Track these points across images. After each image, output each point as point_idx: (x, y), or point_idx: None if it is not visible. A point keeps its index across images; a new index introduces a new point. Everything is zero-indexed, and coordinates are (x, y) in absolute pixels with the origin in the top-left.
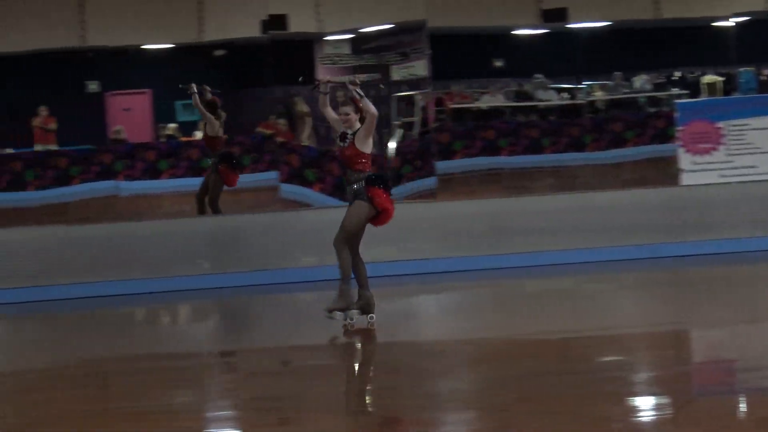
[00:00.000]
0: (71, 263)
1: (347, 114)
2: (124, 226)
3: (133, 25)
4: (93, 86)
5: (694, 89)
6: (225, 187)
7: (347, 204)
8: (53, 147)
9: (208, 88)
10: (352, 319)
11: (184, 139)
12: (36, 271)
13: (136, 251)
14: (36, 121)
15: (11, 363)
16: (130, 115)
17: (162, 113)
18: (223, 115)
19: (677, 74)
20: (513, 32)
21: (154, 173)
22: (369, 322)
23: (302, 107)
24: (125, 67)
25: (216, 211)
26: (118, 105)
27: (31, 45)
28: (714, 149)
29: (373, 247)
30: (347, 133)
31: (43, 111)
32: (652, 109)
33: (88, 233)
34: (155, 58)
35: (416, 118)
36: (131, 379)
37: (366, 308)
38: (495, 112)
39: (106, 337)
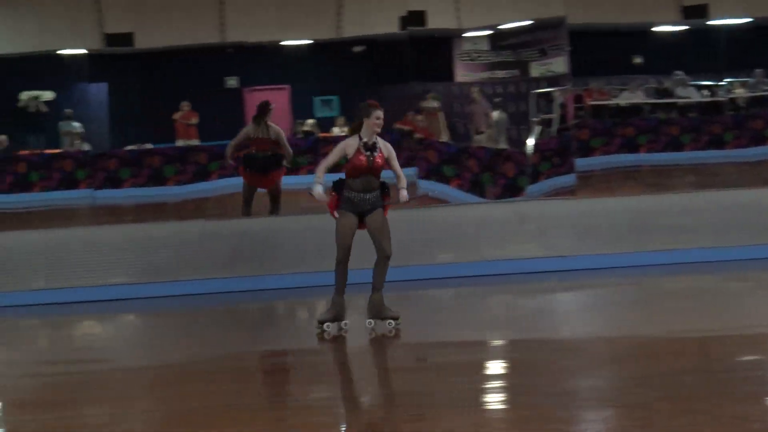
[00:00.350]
0: (210, 258)
1: (379, 118)
2: (261, 221)
3: (272, 22)
4: (232, 82)
5: None
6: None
7: (372, 210)
8: (195, 142)
9: None
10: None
11: (321, 135)
12: (176, 265)
13: (273, 246)
14: (178, 116)
15: (152, 357)
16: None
17: (300, 109)
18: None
19: None
20: (653, 29)
21: (292, 169)
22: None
23: (432, 103)
24: (264, 63)
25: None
26: (257, 100)
27: (173, 41)
28: None
29: (514, 244)
30: (376, 143)
31: (185, 106)
32: None
33: (226, 228)
34: (293, 54)
35: (555, 115)
36: (269, 374)
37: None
38: (634, 109)
39: (244, 332)
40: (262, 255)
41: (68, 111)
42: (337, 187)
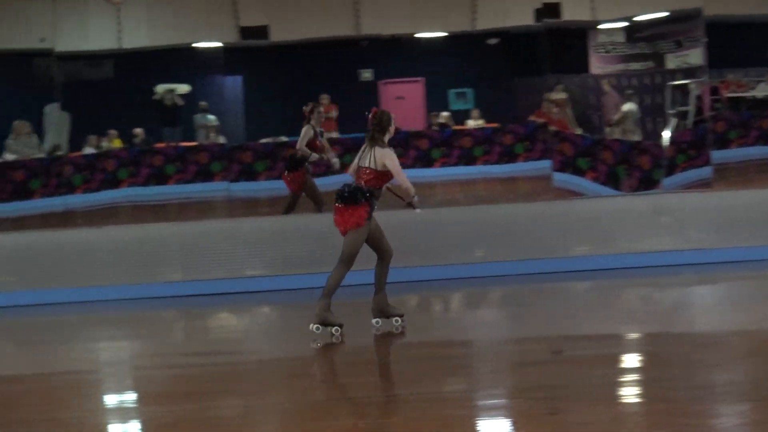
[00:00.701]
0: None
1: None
2: (398, 214)
3: (407, 14)
4: (366, 75)
5: None
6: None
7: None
8: (334, 134)
9: None
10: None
11: (456, 127)
12: (311, 258)
13: (413, 239)
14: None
15: (285, 349)
16: (403, 103)
17: (435, 101)
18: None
19: None
20: None
21: (427, 162)
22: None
23: (560, 95)
24: (398, 55)
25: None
26: (391, 93)
27: (308, 33)
28: None
29: (650, 237)
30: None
31: (325, 99)
32: None
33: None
34: (428, 47)
35: (690, 108)
36: (403, 367)
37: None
38: None
39: (379, 325)
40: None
41: (203, 104)
42: (369, 195)
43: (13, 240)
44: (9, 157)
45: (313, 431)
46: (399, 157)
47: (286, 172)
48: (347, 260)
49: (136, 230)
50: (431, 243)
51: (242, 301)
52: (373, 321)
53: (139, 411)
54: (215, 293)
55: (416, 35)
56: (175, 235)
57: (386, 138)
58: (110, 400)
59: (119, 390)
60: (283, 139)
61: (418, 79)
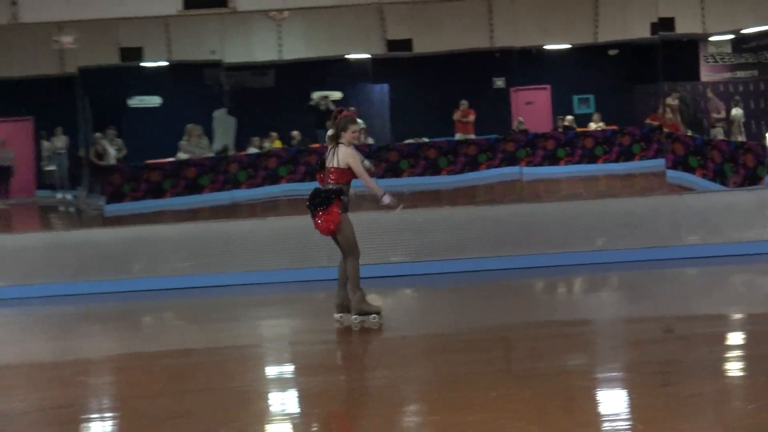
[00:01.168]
0: (481, 239)
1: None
2: (526, 206)
3: (536, 28)
4: (499, 82)
5: None
6: None
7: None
8: (471, 136)
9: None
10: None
11: (579, 129)
12: (446, 246)
13: (536, 229)
14: (457, 114)
15: (427, 327)
16: (531, 108)
17: (560, 106)
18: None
19: None
20: None
21: (553, 160)
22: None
23: (673, 101)
24: (528, 65)
25: None
26: (521, 99)
27: (447, 46)
28: None
29: (755, 228)
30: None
31: (464, 104)
32: None
33: (494, 213)
34: (555, 57)
35: None
36: (530, 344)
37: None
38: None
39: (509, 306)
40: (521, 237)
41: (352, 109)
42: (338, 193)
43: (186, 230)
44: (182, 156)
45: (453, 400)
46: (526, 156)
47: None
48: (351, 251)
49: (294, 221)
50: (556, 233)
51: (386, 284)
52: (336, 316)
53: (296, 381)
54: (363, 277)
55: (544, 47)
56: None
57: (347, 138)
58: (271, 371)
59: (279, 362)
60: (425, 140)
61: (546, 86)
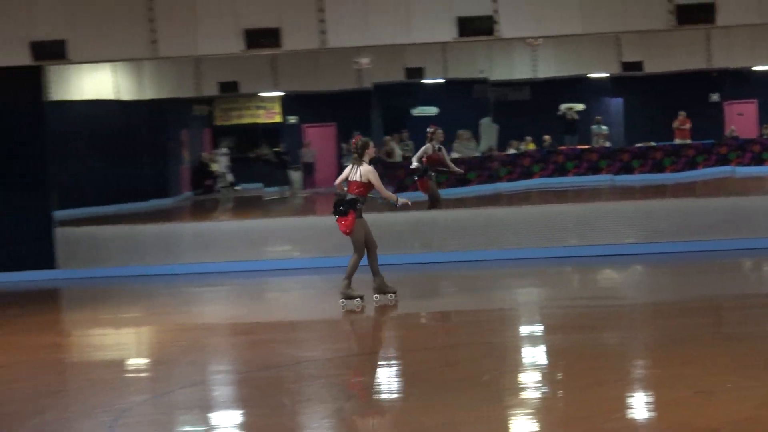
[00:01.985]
0: (691, 227)
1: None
2: (735, 200)
3: (746, 51)
4: (714, 97)
5: None
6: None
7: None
8: (688, 141)
9: None
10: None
11: None
12: (675, 230)
13: (742, 218)
14: (676, 123)
15: (652, 297)
16: (741, 118)
17: (766, 116)
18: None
19: None
20: None
21: (759, 161)
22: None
23: None
24: (739, 82)
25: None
26: (733, 111)
27: (670, 67)
28: None
29: None
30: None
31: (682, 114)
32: None
33: (710, 205)
34: (762, 76)
35: None
36: (740, 312)
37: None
38: None
39: (723, 281)
40: (730, 224)
41: (598, 117)
42: (355, 203)
43: (450, 215)
44: (454, 155)
45: (673, 357)
46: (736, 158)
47: (416, 179)
48: (358, 250)
49: (545, 209)
50: (761, 221)
51: (621, 261)
52: (374, 297)
53: (544, 338)
54: (602, 255)
55: (753, 68)
56: (572, 212)
57: (366, 158)
58: (524, 330)
59: (530, 323)
60: (652, 144)
61: (754, 100)
